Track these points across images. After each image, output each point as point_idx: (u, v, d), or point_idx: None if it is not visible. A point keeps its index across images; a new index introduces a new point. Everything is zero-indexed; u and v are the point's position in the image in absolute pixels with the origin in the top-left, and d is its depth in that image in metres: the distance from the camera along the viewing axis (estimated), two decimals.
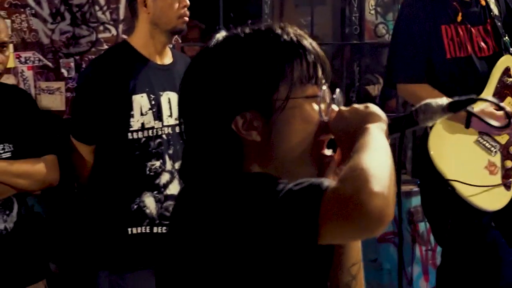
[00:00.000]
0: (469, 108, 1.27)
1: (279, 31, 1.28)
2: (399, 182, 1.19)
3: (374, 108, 1.27)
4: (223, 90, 1.25)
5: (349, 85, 4.25)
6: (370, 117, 1.25)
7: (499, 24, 2.99)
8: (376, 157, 1.13)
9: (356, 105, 1.28)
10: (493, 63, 2.96)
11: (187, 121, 1.31)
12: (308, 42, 1.29)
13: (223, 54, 1.28)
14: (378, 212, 1.06)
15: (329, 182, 1.12)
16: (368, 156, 1.13)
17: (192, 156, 1.31)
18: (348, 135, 1.23)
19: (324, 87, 1.29)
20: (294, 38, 1.28)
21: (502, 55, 2.98)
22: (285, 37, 1.27)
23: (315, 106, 1.27)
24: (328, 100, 1.29)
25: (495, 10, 3.01)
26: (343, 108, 1.30)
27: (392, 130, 1.28)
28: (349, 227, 1.09)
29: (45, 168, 2.64)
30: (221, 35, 1.31)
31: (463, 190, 2.84)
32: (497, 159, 2.95)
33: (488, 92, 2.92)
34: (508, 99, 2.98)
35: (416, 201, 3.85)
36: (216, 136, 1.26)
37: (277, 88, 1.25)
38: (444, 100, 1.28)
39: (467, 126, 2.81)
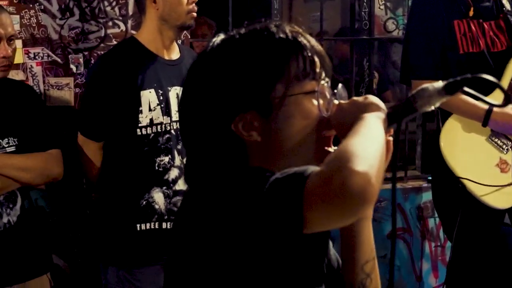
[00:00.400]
0: (465, 88, 1.24)
1: (274, 29, 1.27)
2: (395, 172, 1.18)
3: (373, 98, 1.26)
4: (220, 93, 1.25)
5: (358, 81, 4.23)
6: (368, 107, 1.24)
7: (511, 19, 2.97)
8: (364, 140, 1.12)
9: (355, 98, 1.28)
10: (506, 58, 2.93)
11: (189, 125, 1.31)
12: (305, 39, 1.28)
13: (218, 57, 1.28)
14: (359, 190, 1.03)
15: (314, 168, 1.11)
16: (355, 140, 1.11)
17: (196, 160, 1.30)
18: (347, 127, 1.22)
19: (322, 82, 1.28)
20: (290, 35, 1.27)
21: None
22: (280, 34, 1.26)
23: (315, 102, 1.26)
24: (328, 95, 1.28)
25: (507, 5, 2.98)
26: (342, 101, 1.29)
27: (391, 119, 1.26)
28: (332, 208, 1.07)
29: (49, 162, 2.64)
30: (218, 38, 1.31)
31: (474, 188, 2.83)
32: (508, 157, 2.93)
33: None
34: None
35: (425, 196, 3.84)
36: (218, 139, 1.26)
37: (273, 86, 1.24)
38: (440, 83, 1.25)
39: (484, 124, 2.79)
